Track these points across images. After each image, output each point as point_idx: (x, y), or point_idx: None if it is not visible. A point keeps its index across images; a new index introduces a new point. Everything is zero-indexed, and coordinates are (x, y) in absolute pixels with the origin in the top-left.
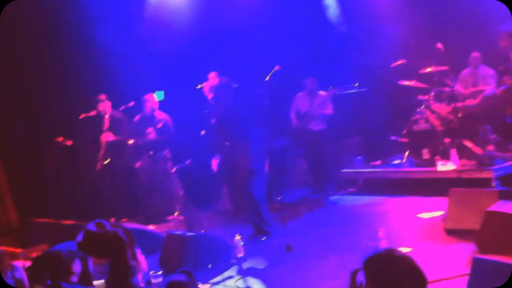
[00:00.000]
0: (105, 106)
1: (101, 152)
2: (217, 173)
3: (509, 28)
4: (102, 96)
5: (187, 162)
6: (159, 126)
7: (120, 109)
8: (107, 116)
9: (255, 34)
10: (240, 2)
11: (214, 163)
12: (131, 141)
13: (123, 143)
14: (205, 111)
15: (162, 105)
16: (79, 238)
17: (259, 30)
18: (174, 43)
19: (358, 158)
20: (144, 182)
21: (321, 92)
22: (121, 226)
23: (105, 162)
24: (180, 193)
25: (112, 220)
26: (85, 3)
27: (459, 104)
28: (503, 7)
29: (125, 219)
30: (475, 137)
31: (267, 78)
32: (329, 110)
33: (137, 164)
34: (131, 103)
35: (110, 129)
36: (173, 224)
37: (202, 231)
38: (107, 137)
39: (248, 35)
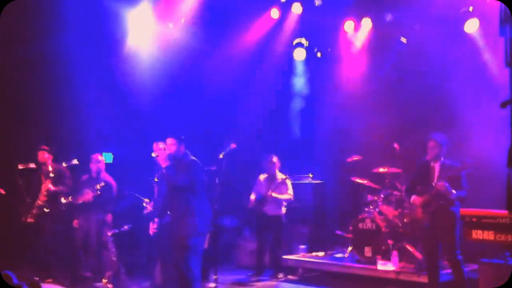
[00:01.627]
0: (46, 156)
1: (39, 202)
2: (154, 242)
3: (437, 137)
4: (44, 146)
5: (125, 227)
6: (98, 187)
7: (63, 165)
8: (50, 166)
9: (219, 110)
10: (205, 76)
11: (152, 228)
12: (66, 199)
13: (61, 197)
14: (155, 179)
15: (111, 166)
16: None
17: (223, 107)
18: (134, 105)
19: (302, 246)
20: (77, 243)
21: (279, 175)
22: (27, 281)
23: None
24: (113, 259)
25: (36, 279)
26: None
27: (406, 209)
28: (450, 114)
29: (50, 280)
30: (418, 242)
31: (222, 155)
32: (287, 195)
33: (75, 222)
34: (74, 161)
35: (54, 179)
36: None
37: None
38: (49, 187)
39: (211, 108)
